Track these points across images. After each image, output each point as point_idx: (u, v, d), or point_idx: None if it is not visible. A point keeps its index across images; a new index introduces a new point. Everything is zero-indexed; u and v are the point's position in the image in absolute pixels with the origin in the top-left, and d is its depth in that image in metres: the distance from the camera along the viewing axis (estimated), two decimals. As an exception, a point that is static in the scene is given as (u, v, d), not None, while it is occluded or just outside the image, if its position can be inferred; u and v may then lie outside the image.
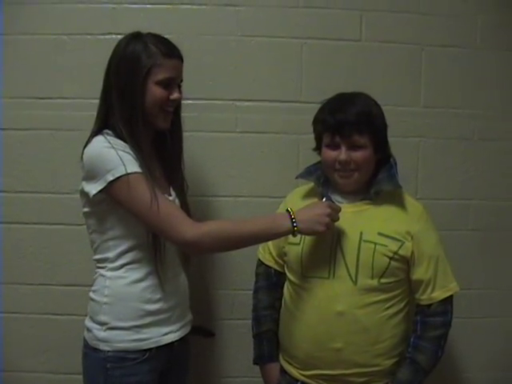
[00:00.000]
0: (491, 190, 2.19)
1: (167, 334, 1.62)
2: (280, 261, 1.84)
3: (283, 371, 1.77)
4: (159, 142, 1.68)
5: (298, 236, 1.66)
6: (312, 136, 2.04)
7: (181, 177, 1.73)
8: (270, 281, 1.87)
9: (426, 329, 1.65)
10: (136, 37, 1.57)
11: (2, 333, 2.11)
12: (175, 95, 1.60)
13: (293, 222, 1.51)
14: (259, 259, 1.92)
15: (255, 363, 1.86)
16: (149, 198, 1.46)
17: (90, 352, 1.58)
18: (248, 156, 2.11)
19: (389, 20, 2.10)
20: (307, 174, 1.79)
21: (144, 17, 2.05)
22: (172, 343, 1.63)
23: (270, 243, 1.86)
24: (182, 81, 1.65)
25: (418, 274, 1.65)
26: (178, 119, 1.70)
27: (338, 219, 1.57)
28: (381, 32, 2.11)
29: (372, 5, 2.10)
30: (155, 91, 1.55)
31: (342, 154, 1.62)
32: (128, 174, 1.46)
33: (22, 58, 2.05)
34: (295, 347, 1.71)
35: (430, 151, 2.14)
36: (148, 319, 1.57)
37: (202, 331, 1.88)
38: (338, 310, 1.61)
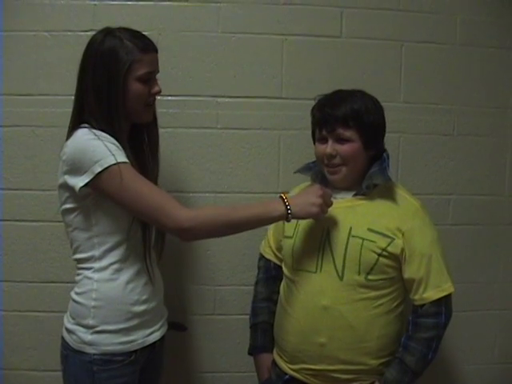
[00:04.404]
0: (471, 185, 2.21)
1: (151, 334, 1.61)
2: (279, 254, 1.86)
3: (274, 364, 1.78)
4: (134, 137, 1.65)
5: (292, 229, 1.69)
6: (292, 132, 2.10)
7: (156, 172, 1.70)
8: (269, 274, 1.89)
9: (416, 329, 1.61)
10: (110, 33, 1.54)
11: (-16, 331, 2.11)
12: (156, 88, 1.59)
13: (286, 206, 1.50)
14: (260, 252, 1.95)
15: (249, 353, 1.87)
16: (140, 187, 1.45)
17: (73, 354, 1.54)
18: (229, 152, 2.12)
19: (369, 16, 2.12)
20: (306, 169, 1.80)
21: (125, 13, 2.05)
22: (154, 342, 1.63)
23: (270, 237, 1.89)
24: (158, 72, 1.64)
25: (410, 272, 1.61)
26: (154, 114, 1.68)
27: (331, 203, 1.57)
28: (361, 28, 2.12)
29: (352, 1, 2.11)
30: (137, 88, 1.53)
31: (328, 147, 1.64)
32: (118, 164, 1.43)
33: (3, 54, 2.04)
34: (284, 340, 1.71)
35: (410, 146, 2.16)
36: (135, 321, 1.56)
37: (176, 326, 1.87)
38: (322, 305, 1.61)
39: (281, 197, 1.53)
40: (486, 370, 2.28)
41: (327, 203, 1.56)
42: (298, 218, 1.55)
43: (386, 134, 2.08)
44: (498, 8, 2.16)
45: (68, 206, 1.55)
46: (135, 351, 1.56)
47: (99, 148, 1.44)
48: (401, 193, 1.70)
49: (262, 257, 1.94)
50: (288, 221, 1.53)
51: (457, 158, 2.20)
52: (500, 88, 2.20)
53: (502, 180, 2.23)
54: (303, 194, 1.58)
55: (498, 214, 2.24)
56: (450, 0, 2.15)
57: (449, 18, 2.15)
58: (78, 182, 1.46)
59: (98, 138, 1.46)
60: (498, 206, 2.23)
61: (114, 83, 1.50)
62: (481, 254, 2.24)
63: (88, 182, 1.45)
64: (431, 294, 1.61)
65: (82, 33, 2.03)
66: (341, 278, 1.60)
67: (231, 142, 2.12)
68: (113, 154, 1.44)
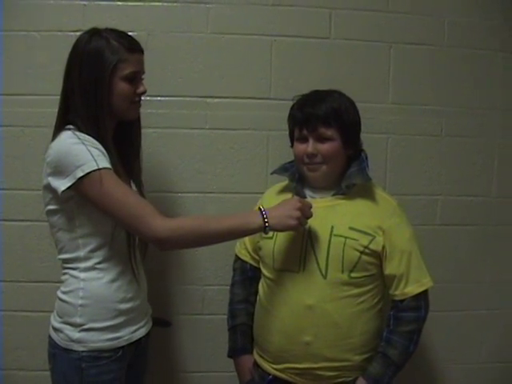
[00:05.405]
0: (458, 186, 2.23)
1: (137, 331, 1.64)
2: (255, 256, 1.86)
3: (256, 365, 1.79)
4: (118, 136, 1.66)
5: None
6: (281, 133, 2.07)
7: (139, 171, 1.72)
8: (246, 275, 1.89)
9: (398, 323, 1.65)
10: (96, 33, 1.55)
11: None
12: (141, 88, 1.62)
13: (264, 219, 1.51)
14: (236, 254, 1.95)
15: (229, 356, 1.87)
16: (120, 194, 1.46)
17: (61, 353, 1.56)
18: (218, 152, 2.13)
19: (358, 18, 2.13)
20: (282, 170, 1.81)
21: (114, 14, 2.05)
22: (140, 339, 1.66)
23: (246, 238, 1.88)
24: (144, 73, 1.65)
25: (391, 268, 1.65)
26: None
27: (310, 215, 1.58)
28: (350, 30, 2.14)
29: (341, 3, 2.12)
30: (123, 87, 1.55)
31: (310, 146, 1.65)
32: (99, 170, 1.44)
33: (-8, 54, 2.04)
34: (267, 341, 1.72)
35: (398, 147, 2.18)
36: (121, 318, 1.58)
37: (160, 322, 1.90)
38: (307, 304, 1.63)
39: (259, 209, 1.53)
40: (473, 370, 2.30)
41: (306, 215, 1.56)
42: (276, 230, 1.56)
43: (375, 135, 2.12)
44: (485, 10, 2.18)
45: (52, 207, 1.56)
46: (122, 347, 1.59)
47: (82, 152, 1.46)
48: (378, 192, 1.74)
49: (237, 258, 1.94)
50: (266, 233, 1.54)
51: (445, 159, 2.21)
52: (488, 89, 2.21)
53: (489, 181, 2.24)
54: (281, 205, 1.57)
55: (486, 215, 2.25)
56: (438, 2, 2.17)
57: (437, 19, 2.17)
58: (61, 185, 1.47)
59: (82, 143, 1.47)
60: (485, 207, 2.25)
61: (99, 82, 1.52)
62: (468, 254, 2.25)
63: (70, 186, 1.46)
64: (412, 288, 1.66)
65: (72, 33, 2.01)
66: (324, 277, 1.62)
67: (220, 143, 2.13)
68: (95, 160, 1.45)
